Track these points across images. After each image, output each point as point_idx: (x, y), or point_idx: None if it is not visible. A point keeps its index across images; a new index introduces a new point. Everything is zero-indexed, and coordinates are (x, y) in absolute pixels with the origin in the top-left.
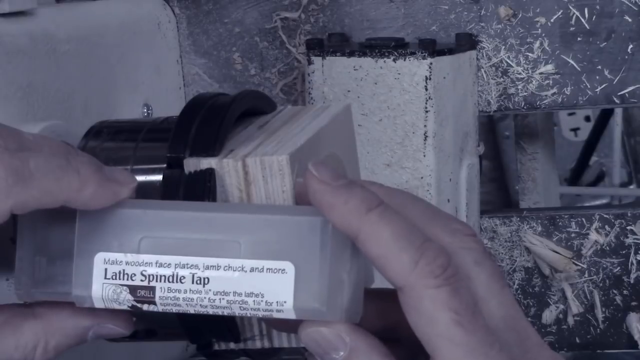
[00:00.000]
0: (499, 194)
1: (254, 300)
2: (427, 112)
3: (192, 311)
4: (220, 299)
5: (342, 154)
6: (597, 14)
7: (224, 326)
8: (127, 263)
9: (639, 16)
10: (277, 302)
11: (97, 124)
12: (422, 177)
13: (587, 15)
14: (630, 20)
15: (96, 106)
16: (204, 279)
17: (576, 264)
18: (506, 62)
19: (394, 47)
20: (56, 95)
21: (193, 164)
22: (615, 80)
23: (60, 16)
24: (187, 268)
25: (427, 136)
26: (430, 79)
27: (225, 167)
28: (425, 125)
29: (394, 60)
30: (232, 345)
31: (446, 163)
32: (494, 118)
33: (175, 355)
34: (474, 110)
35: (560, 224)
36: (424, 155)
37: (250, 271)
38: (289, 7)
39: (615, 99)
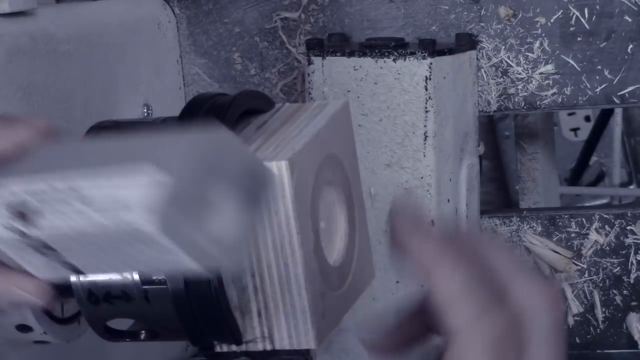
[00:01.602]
0: (499, 194)
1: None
2: (427, 112)
3: (65, 228)
4: (94, 210)
5: (341, 154)
6: (597, 14)
7: (225, 327)
8: (13, 184)
9: (639, 16)
10: (125, 203)
11: (97, 124)
12: (422, 177)
13: (587, 15)
14: (630, 20)
15: (96, 106)
16: (84, 195)
17: (576, 264)
18: (506, 62)
19: (394, 47)
20: (56, 95)
21: None
22: (615, 80)
23: (60, 16)
24: (69, 187)
25: (427, 136)
26: (430, 79)
27: None
28: (425, 125)
29: (394, 60)
30: (233, 348)
31: (446, 163)
32: (494, 118)
33: (175, 355)
34: (474, 110)
35: (560, 224)
36: (424, 155)
37: (122, 187)
38: (289, 7)
39: (615, 99)
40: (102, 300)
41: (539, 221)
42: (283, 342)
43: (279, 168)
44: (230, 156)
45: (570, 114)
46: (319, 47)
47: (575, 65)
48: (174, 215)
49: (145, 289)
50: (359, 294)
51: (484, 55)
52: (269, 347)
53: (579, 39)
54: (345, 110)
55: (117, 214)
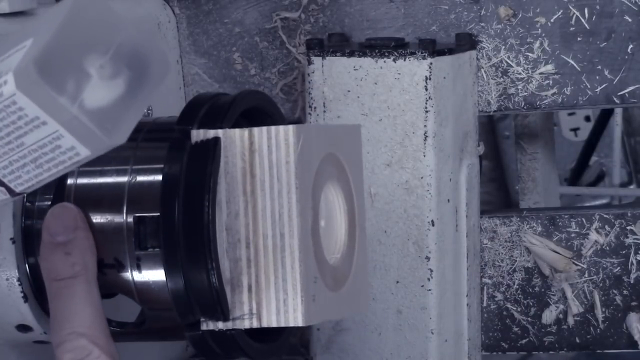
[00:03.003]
0: (499, 194)
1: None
2: (427, 112)
3: None
4: None
5: (347, 164)
6: (597, 14)
7: (215, 299)
8: None
9: (639, 16)
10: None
11: None
12: (422, 177)
13: (587, 15)
14: (630, 20)
15: None
16: None
17: (576, 264)
18: (506, 62)
19: (394, 47)
20: None
21: (200, 135)
22: (615, 80)
23: None
24: None
25: (427, 136)
26: (430, 79)
27: (231, 136)
28: (425, 125)
29: (394, 60)
30: (220, 325)
31: (446, 163)
32: (494, 118)
33: (175, 355)
34: (474, 110)
35: (560, 224)
36: (424, 155)
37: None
38: (289, 7)
39: (615, 99)
40: None
41: (539, 221)
42: (271, 318)
43: (286, 132)
44: (109, 29)
45: (570, 114)
46: (319, 47)
47: (575, 65)
48: (35, 74)
49: (138, 255)
50: (350, 311)
51: (484, 55)
52: (255, 325)
53: (579, 39)
54: (356, 131)
55: None
